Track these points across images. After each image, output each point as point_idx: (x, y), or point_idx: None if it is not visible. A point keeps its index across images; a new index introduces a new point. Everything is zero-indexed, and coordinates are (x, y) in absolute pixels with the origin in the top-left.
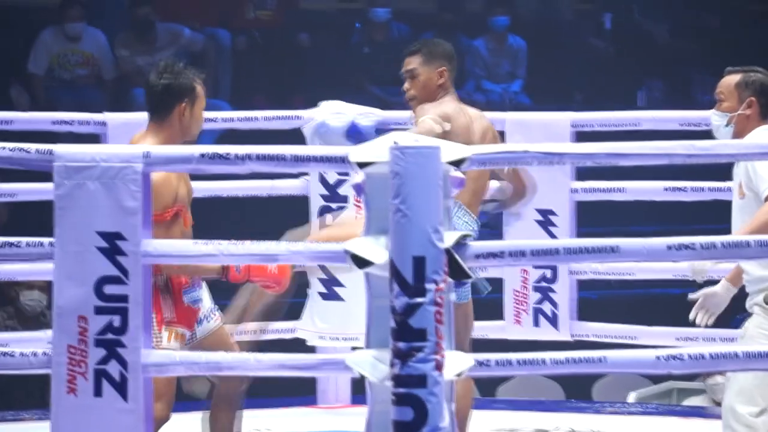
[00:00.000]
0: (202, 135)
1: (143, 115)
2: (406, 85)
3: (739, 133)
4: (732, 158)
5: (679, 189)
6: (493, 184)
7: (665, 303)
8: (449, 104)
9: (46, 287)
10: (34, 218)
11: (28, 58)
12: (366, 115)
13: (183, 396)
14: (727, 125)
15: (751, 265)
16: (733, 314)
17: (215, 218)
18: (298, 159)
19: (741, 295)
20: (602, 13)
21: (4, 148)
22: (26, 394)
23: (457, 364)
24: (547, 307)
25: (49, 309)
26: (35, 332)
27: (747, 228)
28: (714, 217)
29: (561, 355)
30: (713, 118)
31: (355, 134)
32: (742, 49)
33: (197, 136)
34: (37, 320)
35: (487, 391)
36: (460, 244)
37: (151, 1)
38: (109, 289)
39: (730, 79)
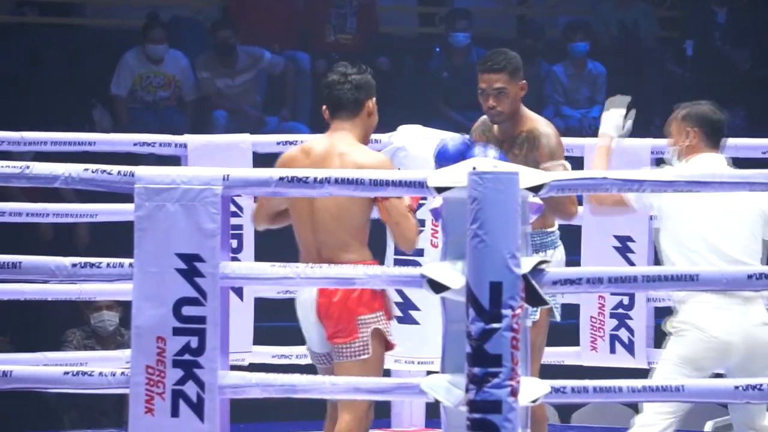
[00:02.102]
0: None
1: (223, 137)
2: (492, 102)
3: None
4: None
5: None
6: None
7: None
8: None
9: (114, 305)
10: (116, 239)
11: (110, 80)
12: (455, 139)
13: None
14: (679, 159)
15: None
16: None
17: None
18: (376, 183)
19: None
20: (684, 39)
21: (86, 169)
22: (101, 413)
23: (532, 390)
24: (623, 333)
25: (124, 327)
26: (113, 351)
27: None
28: None
29: (638, 383)
30: (666, 156)
31: (442, 157)
32: None
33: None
34: (113, 339)
35: (561, 417)
36: (537, 270)
37: (232, 24)
38: (187, 311)
39: (673, 115)
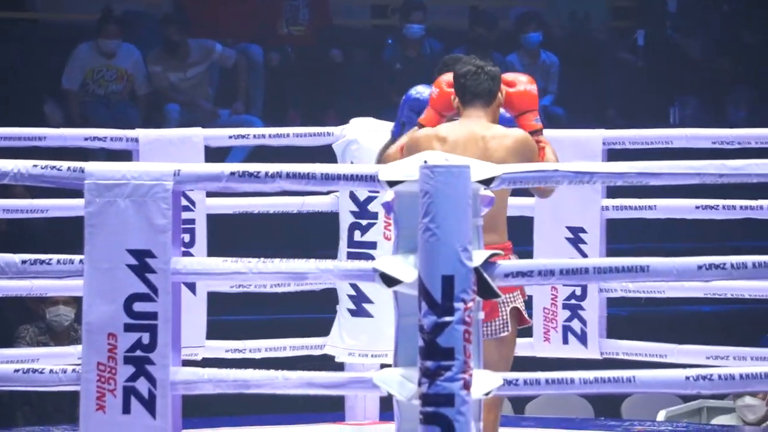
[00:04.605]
0: (233, 151)
1: (175, 132)
2: None
3: None
4: (763, 178)
5: (711, 207)
6: None
7: (696, 320)
8: None
9: (71, 301)
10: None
11: (62, 74)
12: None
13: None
14: None
15: None
16: (763, 333)
17: (245, 234)
18: (327, 177)
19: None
20: (635, 29)
21: (36, 165)
22: (56, 409)
23: (485, 383)
24: (576, 324)
25: (78, 323)
26: (65, 348)
27: None
28: (745, 234)
29: (590, 374)
30: None
31: (411, 104)
32: None
33: None
34: (67, 335)
35: (515, 408)
36: (489, 263)
37: (182, 18)
38: (139, 307)
39: None
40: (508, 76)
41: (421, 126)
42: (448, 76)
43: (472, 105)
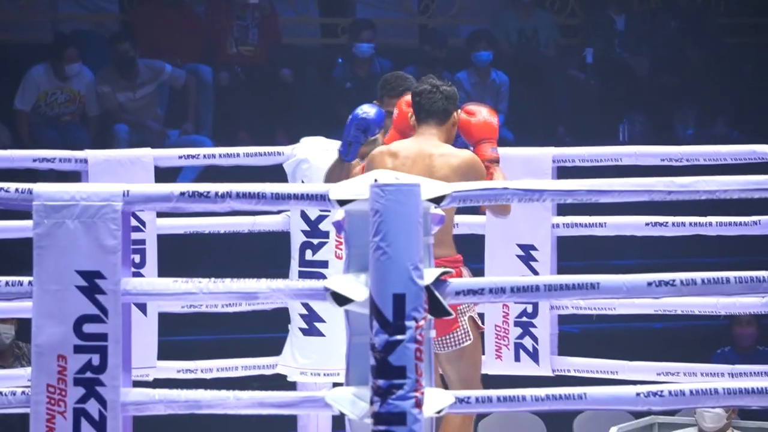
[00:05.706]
0: (184, 171)
1: (124, 152)
2: None
3: None
4: (711, 195)
5: (661, 224)
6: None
7: (647, 337)
8: None
9: (8, 319)
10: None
11: (9, 96)
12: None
13: None
14: None
15: None
16: (713, 349)
17: (196, 254)
18: (278, 197)
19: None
20: (584, 47)
21: None
22: (7, 429)
23: (436, 401)
24: (527, 342)
25: (21, 340)
26: (16, 370)
27: None
28: (695, 251)
29: (541, 391)
30: None
31: (358, 123)
32: (723, 82)
33: None
34: (11, 353)
35: None
36: (440, 281)
37: (131, 38)
38: (88, 328)
39: None
40: (470, 107)
41: None
42: (409, 96)
43: (426, 123)
